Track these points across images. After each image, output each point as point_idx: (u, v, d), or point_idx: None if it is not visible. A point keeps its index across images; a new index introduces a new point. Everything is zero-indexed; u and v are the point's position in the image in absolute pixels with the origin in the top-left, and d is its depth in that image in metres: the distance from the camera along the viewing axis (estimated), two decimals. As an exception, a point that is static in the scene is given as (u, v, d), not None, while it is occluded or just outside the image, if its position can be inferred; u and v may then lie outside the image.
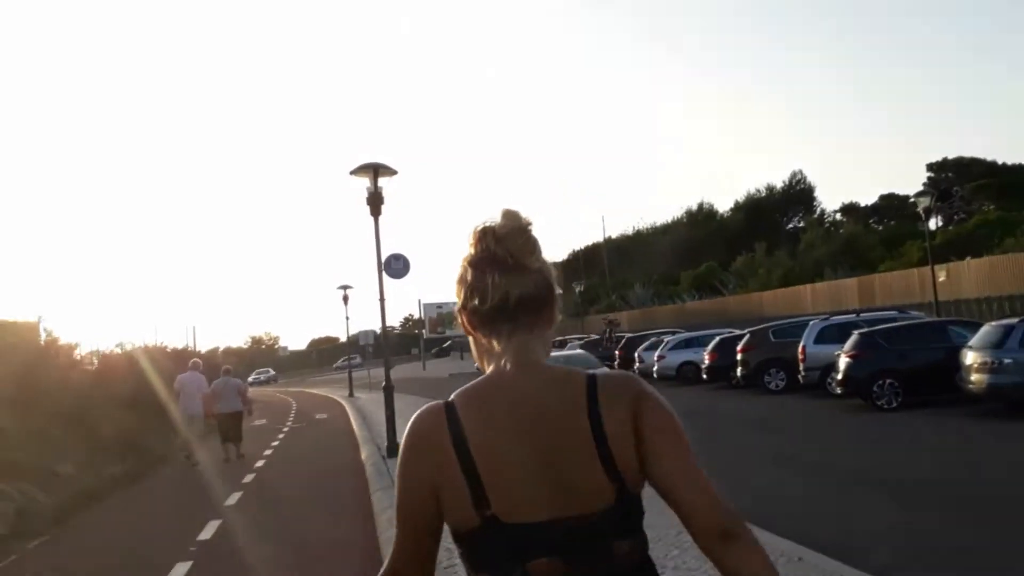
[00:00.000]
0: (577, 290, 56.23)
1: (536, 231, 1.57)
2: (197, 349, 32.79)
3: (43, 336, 19.98)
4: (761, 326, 23.26)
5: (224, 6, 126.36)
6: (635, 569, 1.48)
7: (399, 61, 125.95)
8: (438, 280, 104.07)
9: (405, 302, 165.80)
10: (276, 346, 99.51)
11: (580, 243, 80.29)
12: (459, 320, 1.59)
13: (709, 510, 1.44)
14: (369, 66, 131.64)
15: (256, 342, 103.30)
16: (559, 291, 1.61)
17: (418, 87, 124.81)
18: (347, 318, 76.17)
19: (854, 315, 21.71)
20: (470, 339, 1.61)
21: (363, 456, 14.04)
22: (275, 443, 18.25)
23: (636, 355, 30.46)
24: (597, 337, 37.64)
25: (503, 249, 1.53)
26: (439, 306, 71.46)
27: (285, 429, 22.46)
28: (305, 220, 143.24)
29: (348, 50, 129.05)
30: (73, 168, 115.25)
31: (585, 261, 72.12)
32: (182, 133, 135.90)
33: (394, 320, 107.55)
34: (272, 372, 73.35)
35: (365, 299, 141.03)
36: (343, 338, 68.18)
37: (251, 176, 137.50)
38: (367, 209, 13.33)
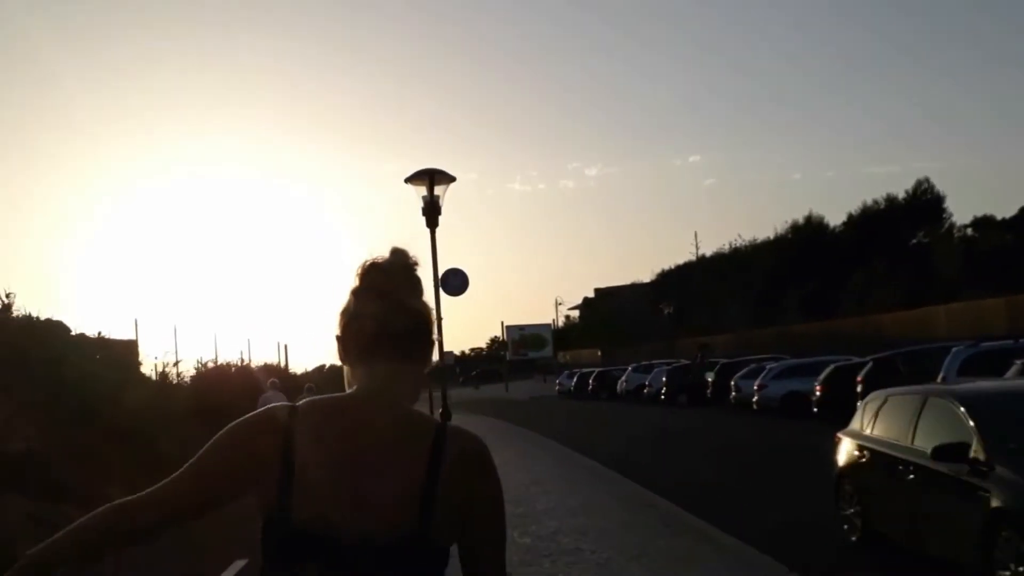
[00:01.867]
0: (666, 312, 52.88)
1: (420, 272, 1.66)
2: (280, 365, 30.93)
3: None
4: (886, 353, 19.58)
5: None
6: None
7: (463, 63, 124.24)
8: (522, 301, 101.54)
9: (490, 324, 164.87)
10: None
11: (669, 262, 77.02)
12: (337, 348, 1.65)
13: None
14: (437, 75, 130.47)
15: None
16: (435, 335, 1.67)
17: (488, 90, 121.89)
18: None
19: (1011, 341, 17.67)
20: (344, 368, 1.67)
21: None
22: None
23: (732, 383, 27.00)
24: (687, 363, 34.18)
25: (386, 285, 1.60)
26: (521, 328, 69.61)
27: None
28: (400, 237, 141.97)
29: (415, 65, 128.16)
30: (166, 194, 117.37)
31: (676, 281, 69.00)
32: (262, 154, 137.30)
33: (480, 341, 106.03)
34: None
35: (451, 319, 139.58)
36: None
37: (336, 194, 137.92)
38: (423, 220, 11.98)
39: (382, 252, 1.64)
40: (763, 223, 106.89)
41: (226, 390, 20.27)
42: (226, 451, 1.57)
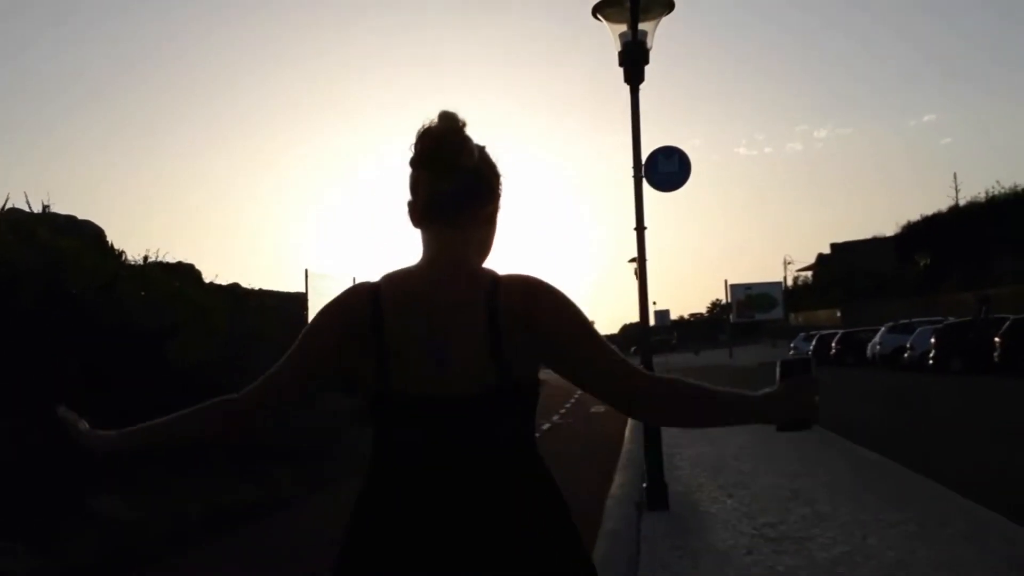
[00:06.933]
0: (922, 264, 45.86)
1: (470, 131, 1.68)
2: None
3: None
4: None
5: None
6: (511, 453, 1.64)
7: None
8: (747, 264, 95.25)
9: (712, 285, 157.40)
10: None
11: (910, 217, 69.30)
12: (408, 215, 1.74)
13: (630, 372, 1.65)
14: None
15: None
16: (500, 191, 1.74)
17: None
18: (653, 302, 69.57)
19: None
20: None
21: (611, 491, 8.45)
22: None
23: (1033, 343, 20.89)
24: (954, 321, 27.90)
25: (437, 149, 1.65)
26: (748, 287, 63.28)
27: (545, 426, 17.41)
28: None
29: None
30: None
31: (926, 233, 61.35)
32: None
33: (701, 305, 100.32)
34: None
35: (669, 282, 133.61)
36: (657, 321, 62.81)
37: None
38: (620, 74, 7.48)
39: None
40: (1012, 177, 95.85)
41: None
42: (325, 328, 1.68)
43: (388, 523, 1.60)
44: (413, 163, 1.69)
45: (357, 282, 1.74)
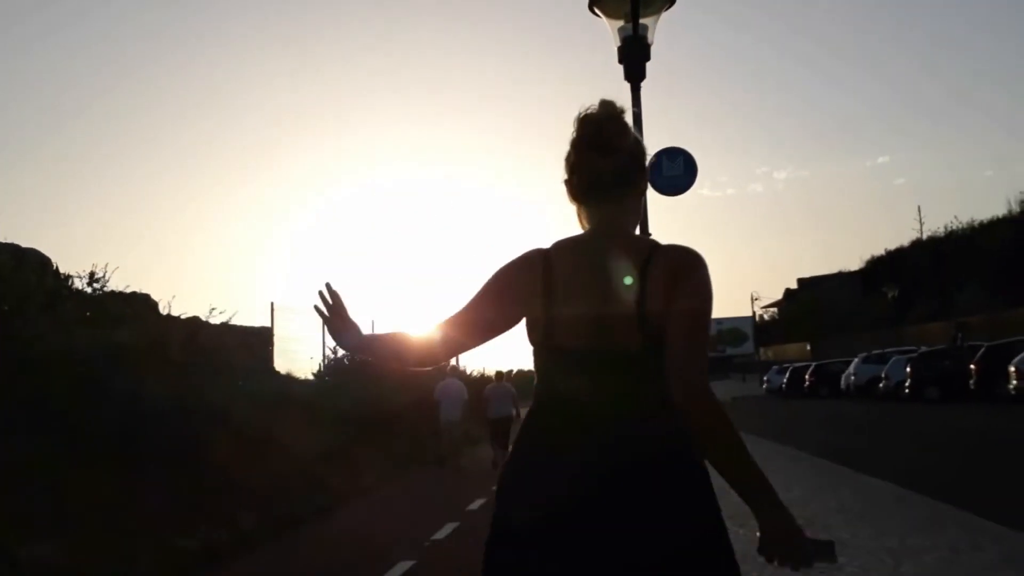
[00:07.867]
0: (890, 295, 46.12)
1: (626, 117, 1.86)
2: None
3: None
4: None
5: None
6: (653, 407, 1.71)
7: None
8: (715, 294, 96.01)
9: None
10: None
11: (871, 253, 70.22)
12: (566, 192, 1.91)
13: (678, 378, 1.69)
14: None
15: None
16: (645, 165, 1.91)
17: None
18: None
19: None
20: (574, 209, 1.93)
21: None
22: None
23: (1013, 369, 20.73)
24: (928, 350, 27.77)
25: (597, 133, 1.83)
26: (719, 322, 63.16)
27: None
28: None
29: None
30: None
31: (890, 267, 62.02)
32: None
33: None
34: None
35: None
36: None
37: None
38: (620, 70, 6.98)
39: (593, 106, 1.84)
40: (969, 211, 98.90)
41: (378, 384, 15.77)
42: (504, 281, 1.86)
43: (540, 463, 1.75)
44: (575, 145, 1.84)
45: None
